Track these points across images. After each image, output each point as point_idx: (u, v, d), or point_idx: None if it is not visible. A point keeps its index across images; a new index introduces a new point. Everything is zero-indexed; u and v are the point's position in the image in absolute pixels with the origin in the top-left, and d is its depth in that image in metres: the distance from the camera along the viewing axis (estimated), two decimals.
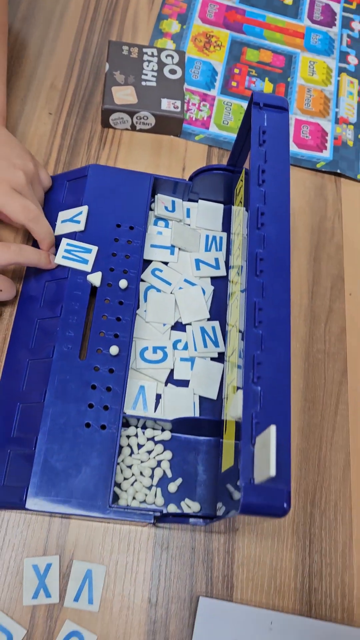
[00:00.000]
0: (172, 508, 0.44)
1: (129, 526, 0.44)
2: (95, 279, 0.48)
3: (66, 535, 0.43)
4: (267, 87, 0.69)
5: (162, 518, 0.41)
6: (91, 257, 0.50)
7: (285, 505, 0.31)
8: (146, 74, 0.61)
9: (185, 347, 0.50)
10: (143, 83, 0.61)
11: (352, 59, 0.73)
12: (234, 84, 0.68)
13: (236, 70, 0.69)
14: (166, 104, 0.60)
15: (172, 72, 0.62)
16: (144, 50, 0.63)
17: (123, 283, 0.49)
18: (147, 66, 0.62)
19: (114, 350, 0.46)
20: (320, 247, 0.59)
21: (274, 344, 0.36)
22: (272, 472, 0.29)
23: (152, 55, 0.63)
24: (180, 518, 0.41)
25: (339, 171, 0.63)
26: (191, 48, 0.69)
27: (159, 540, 0.44)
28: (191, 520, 0.40)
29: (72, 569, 0.41)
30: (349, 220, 0.61)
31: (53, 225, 0.52)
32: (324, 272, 0.58)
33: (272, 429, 0.30)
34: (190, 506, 0.44)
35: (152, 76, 0.61)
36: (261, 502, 0.31)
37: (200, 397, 0.48)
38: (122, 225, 0.52)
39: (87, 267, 0.49)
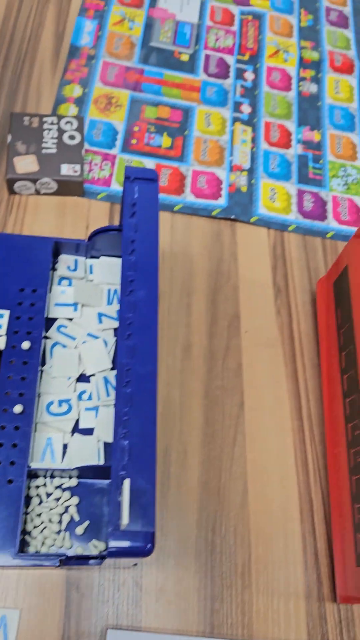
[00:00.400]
0: (79, 550, 0.48)
1: (41, 570, 0.48)
2: None
3: None
4: (165, 141, 0.74)
5: (66, 561, 0.45)
6: (4, 322, 0.54)
7: (148, 546, 0.36)
8: (46, 142, 0.66)
9: (90, 397, 0.55)
10: (44, 151, 0.66)
11: (246, 108, 0.80)
12: (134, 141, 0.73)
13: (136, 128, 0.75)
14: (66, 169, 0.65)
15: (72, 137, 0.67)
16: (44, 119, 0.68)
17: (26, 344, 0.53)
18: (48, 134, 0.67)
19: (17, 409, 0.50)
20: (218, 289, 0.65)
21: (140, 399, 0.41)
22: (125, 520, 0.34)
23: (52, 124, 0.68)
24: (82, 560, 0.45)
25: (233, 217, 0.69)
26: (93, 110, 0.75)
27: (70, 580, 0.48)
28: (90, 561, 0.45)
29: None
30: (243, 261, 0.67)
31: None
32: (221, 312, 0.63)
33: (126, 482, 0.35)
34: (97, 546, 0.48)
35: (53, 143, 0.66)
36: (126, 545, 0.36)
37: (105, 443, 0.53)
38: (26, 289, 0.56)
39: (1, 332, 0.54)
